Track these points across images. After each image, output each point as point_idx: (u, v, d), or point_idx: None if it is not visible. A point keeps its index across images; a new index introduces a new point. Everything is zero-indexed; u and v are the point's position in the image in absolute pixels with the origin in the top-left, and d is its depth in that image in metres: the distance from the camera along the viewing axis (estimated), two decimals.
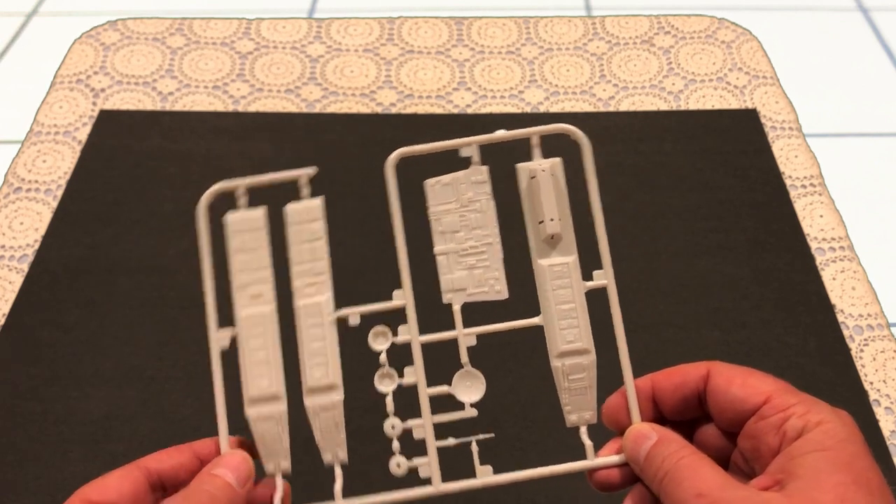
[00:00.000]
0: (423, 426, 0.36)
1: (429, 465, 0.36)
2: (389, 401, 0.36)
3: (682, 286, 0.63)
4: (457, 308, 0.37)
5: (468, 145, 0.37)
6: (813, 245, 0.65)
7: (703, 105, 0.77)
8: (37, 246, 0.65)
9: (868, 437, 0.55)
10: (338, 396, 0.36)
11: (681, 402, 0.36)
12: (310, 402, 0.35)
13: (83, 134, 0.74)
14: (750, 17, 0.86)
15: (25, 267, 0.63)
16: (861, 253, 0.65)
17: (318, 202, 0.37)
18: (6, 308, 0.61)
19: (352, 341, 0.36)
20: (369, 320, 0.36)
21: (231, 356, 0.36)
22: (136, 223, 0.67)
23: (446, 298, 0.37)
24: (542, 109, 0.76)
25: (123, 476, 0.34)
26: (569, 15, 0.87)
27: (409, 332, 0.37)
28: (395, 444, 0.35)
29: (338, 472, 0.35)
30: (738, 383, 0.35)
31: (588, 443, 0.36)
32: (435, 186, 0.37)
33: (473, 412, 0.36)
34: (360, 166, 0.70)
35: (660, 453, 0.34)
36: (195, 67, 0.80)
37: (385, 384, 0.36)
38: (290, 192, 0.37)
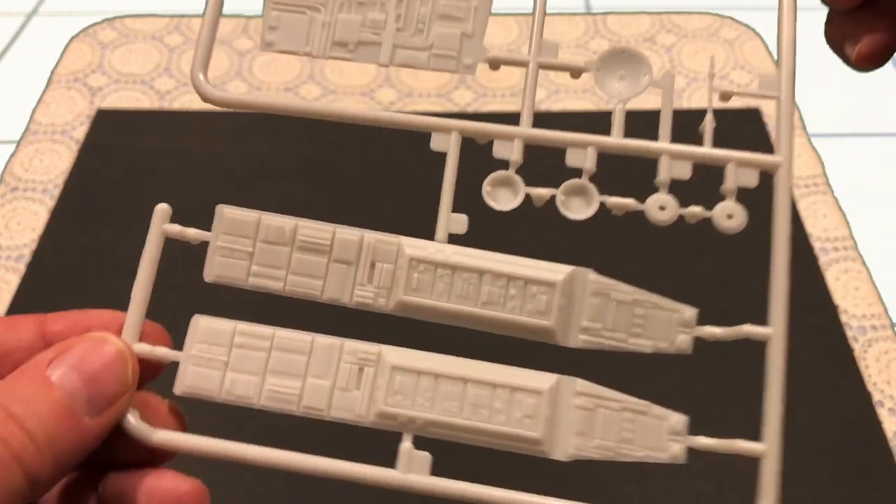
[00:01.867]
0: None
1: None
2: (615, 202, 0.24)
3: (683, 287, 0.63)
4: (490, 56, 0.26)
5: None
6: (816, 245, 0.65)
7: (705, 103, 0.76)
8: (34, 246, 0.64)
9: (871, 439, 0.55)
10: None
11: None
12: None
13: (80, 133, 0.73)
14: (753, 16, 0.86)
15: (22, 267, 0.63)
16: (865, 253, 0.64)
17: None
18: (2, 309, 0.60)
19: None
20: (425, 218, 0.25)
21: None
22: (135, 223, 0.66)
23: (468, 64, 0.26)
24: (543, 108, 0.76)
25: (26, 325, 0.23)
26: (570, 13, 0.87)
27: (513, 146, 0.24)
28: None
29: None
30: None
31: None
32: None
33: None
34: (359, 165, 0.70)
35: None
36: None
37: (580, 207, 0.24)
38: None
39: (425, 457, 0.23)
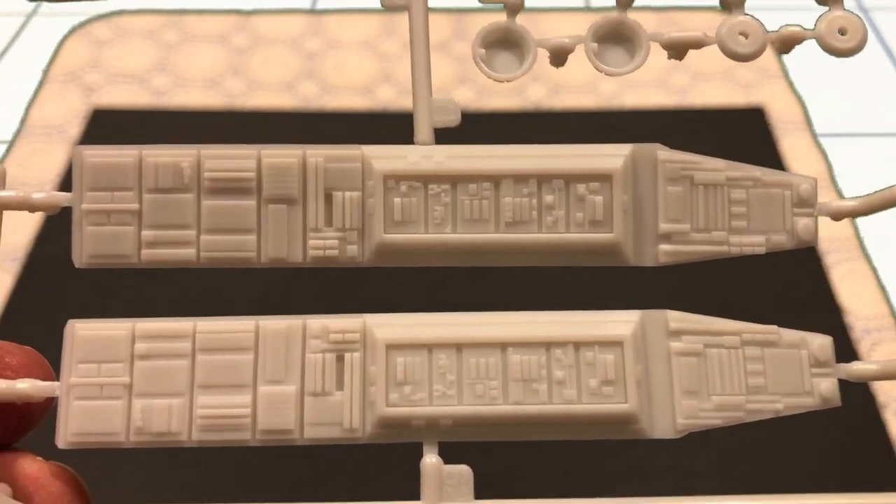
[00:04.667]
0: None
1: None
2: None
3: (686, 287, 0.62)
4: None
5: None
6: (821, 245, 0.64)
7: (709, 100, 0.76)
8: (29, 246, 0.64)
9: (876, 441, 0.55)
10: None
11: None
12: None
13: (76, 131, 0.73)
14: (756, 14, 0.85)
15: (17, 267, 0.62)
16: (871, 253, 0.64)
17: None
18: None
19: None
20: None
21: None
22: None
23: None
24: (544, 106, 0.75)
25: None
26: (570, 8, 0.86)
27: None
28: None
29: None
30: None
31: None
32: None
33: None
34: None
35: None
36: (189, 63, 0.79)
37: (621, 58, 0.17)
38: None
39: (463, 473, 0.15)
